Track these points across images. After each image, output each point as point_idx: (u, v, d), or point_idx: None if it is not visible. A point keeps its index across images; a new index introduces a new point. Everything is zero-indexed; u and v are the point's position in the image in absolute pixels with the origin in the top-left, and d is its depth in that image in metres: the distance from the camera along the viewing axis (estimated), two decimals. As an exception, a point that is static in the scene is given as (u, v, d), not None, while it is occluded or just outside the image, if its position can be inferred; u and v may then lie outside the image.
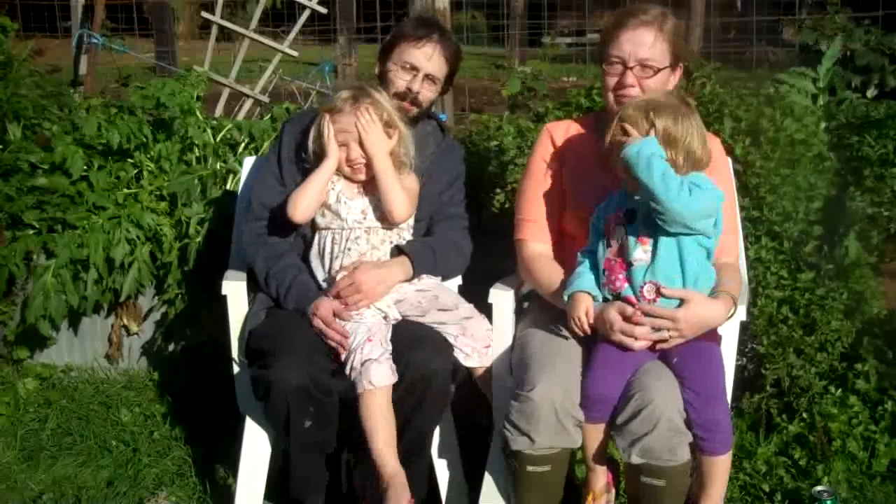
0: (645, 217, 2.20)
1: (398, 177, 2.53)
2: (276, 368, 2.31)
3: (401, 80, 2.68)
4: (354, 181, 2.58)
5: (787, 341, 2.87)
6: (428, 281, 2.60)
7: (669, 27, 2.41)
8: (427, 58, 2.67)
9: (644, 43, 2.37)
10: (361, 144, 2.52)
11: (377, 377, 2.33)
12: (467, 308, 2.56)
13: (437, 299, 2.55)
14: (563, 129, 2.58)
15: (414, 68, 2.68)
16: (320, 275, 2.57)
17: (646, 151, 2.14)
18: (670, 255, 2.19)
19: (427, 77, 2.69)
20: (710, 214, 2.18)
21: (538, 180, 2.53)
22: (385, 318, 2.49)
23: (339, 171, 2.57)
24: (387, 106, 2.56)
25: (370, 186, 2.56)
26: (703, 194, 2.15)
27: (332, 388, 2.37)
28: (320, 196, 2.54)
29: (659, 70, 2.38)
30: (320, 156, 2.56)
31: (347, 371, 2.37)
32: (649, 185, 2.12)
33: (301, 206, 2.51)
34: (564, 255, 2.48)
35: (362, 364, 2.34)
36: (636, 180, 2.15)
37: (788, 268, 3.02)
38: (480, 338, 2.52)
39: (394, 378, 2.36)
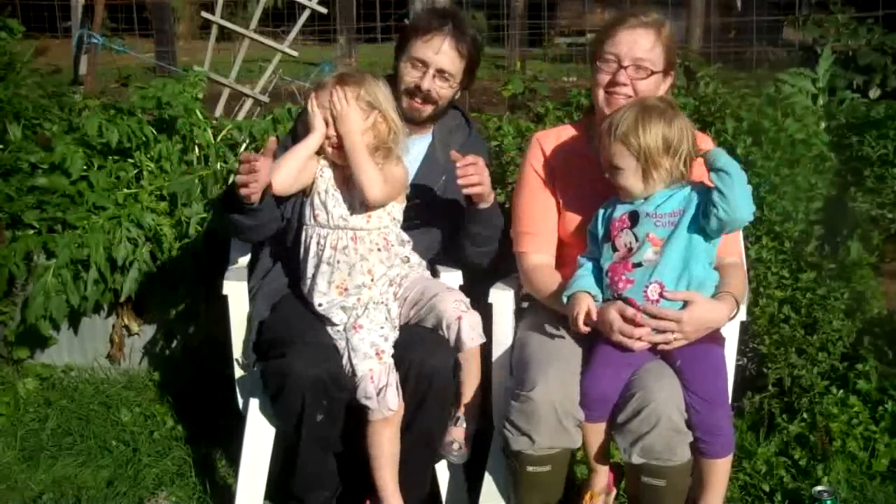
0: (651, 217, 2.21)
1: (373, 160, 2.41)
2: (292, 358, 2.29)
3: (409, 76, 2.59)
4: (339, 164, 2.48)
5: (788, 341, 2.87)
6: (411, 277, 2.55)
7: (667, 33, 2.41)
8: (436, 51, 2.56)
9: (641, 44, 2.36)
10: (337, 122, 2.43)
11: (393, 400, 2.32)
12: (436, 287, 2.50)
13: (406, 301, 2.50)
14: (552, 138, 2.55)
15: (423, 64, 2.57)
16: (311, 290, 2.48)
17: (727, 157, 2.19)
18: (678, 258, 2.20)
19: (438, 73, 2.58)
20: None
21: (532, 191, 2.51)
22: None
23: (327, 157, 2.50)
24: (373, 89, 2.43)
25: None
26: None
27: (345, 385, 2.35)
28: (299, 168, 2.45)
29: (652, 73, 2.37)
30: (305, 133, 2.49)
31: (359, 397, 2.32)
32: (736, 187, 2.13)
33: (280, 175, 2.41)
34: (561, 262, 2.48)
35: (378, 392, 2.32)
36: (716, 183, 2.15)
37: (789, 268, 3.02)
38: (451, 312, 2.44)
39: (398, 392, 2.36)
